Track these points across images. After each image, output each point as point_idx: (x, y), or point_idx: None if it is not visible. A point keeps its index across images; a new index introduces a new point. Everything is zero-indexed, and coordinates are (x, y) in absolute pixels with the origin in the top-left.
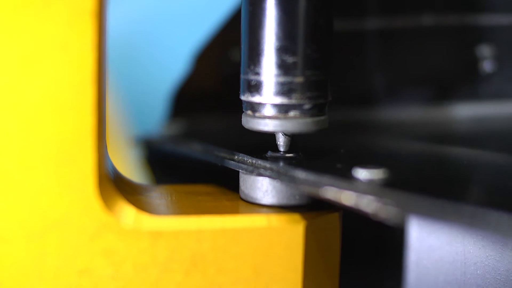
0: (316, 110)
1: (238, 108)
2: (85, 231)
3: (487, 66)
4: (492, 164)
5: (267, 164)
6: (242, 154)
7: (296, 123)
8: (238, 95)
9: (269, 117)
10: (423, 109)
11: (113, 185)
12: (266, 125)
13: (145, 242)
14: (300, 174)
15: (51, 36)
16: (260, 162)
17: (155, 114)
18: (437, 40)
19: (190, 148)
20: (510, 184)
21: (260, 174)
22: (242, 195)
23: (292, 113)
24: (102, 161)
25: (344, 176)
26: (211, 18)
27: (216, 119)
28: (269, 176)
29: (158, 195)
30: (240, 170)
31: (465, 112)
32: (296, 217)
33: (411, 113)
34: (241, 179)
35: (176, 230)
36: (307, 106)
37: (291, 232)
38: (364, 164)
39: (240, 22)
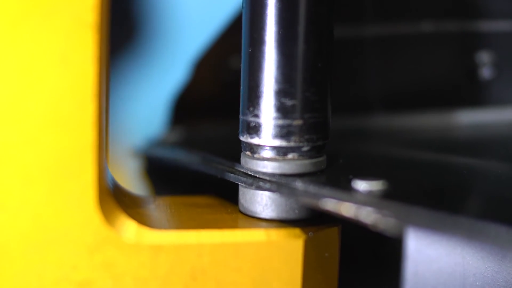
0: (315, 151)
1: (238, 115)
2: (85, 244)
3: (486, 72)
4: (492, 173)
5: (266, 177)
6: (241, 166)
7: (294, 165)
8: (238, 102)
9: (267, 159)
10: (423, 116)
11: (113, 198)
12: (265, 167)
13: (145, 256)
14: (300, 186)
15: (52, 49)
16: (259, 174)
17: (154, 122)
18: (436, 47)
19: (190, 159)
20: (509, 194)
21: (259, 187)
22: (241, 208)
23: (290, 155)
24: (102, 175)
25: (344, 187)
26: (210, 25)
27: (216, 126)
28: (268, 189)
29: (157, 207)
30: (239, 183)
31: (465, 118)
32: (296, 231)
33: (411, 120)
34: (240, 192)
35: (176, 244)
36: (305, 148)
37: (290, 247)
38: (363, 176)
39: (239, 29)
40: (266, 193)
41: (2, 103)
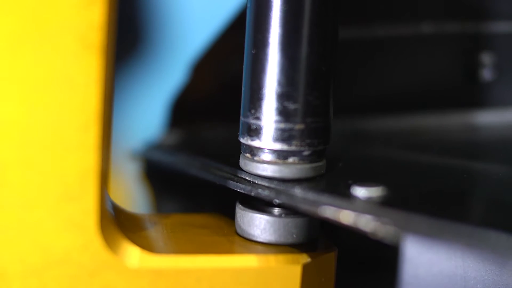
0: (315, 156)
1: (237, 118)
2: (85, 268)
3: (487, 73)
4: (492, 176)
5: (265, 183)
6: (240, 171)
7: (294, 169)
8: (238, 105)
9: (267, 162)
10: (422, 118)
11: (114, 223)
12: (265, 170)
13: (145, 280)
14: (299, 192)
15: (55, 69)
16: (258, 178)
17: (153, 125)
18: (436, 48)
19: (188, 164)
20: (509, 198)
21: (258, 194)
22: (238, 230)
23: (291, 159)
24: (103, 199)
25: (343, 194)
26: (209, 27)
27: (215, 129)
28: (267, 196)
29: (155, 228)
30: (239, 190)
31: (465, 120)
32: (294, 257)
33: (410, 122)
34: (238, 214)
35: (175, 268)
36: (306, 153)
37: (288, 273)
38: (363, 182)
39: (239, 31)
40: (265, 216)
41: (4, 124)
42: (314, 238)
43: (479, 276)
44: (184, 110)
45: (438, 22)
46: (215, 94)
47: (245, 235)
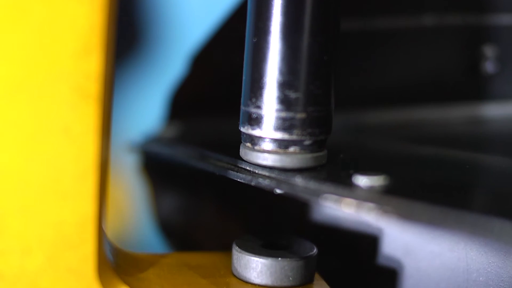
0: (316, 146)
1: (237, 111)
2: None
3: (489, 66)
4: (494, 168)
5: (266, 172)
6: (240, 161)
7: (295, 158)
8: (237, 97)
9: (268, 152)
10: (424, 111)
11: (112, 268)
12: (265, 160)
13: None
14: (300, 182)
15: (53, 119)
16: (259, 168)
17: (151, 117)
18: (438, 41)
19: (188, 155)
20: None
21: (258, 183)
22: (234, 272)
23: (292, 149)
24: (102, 245)
25: (344, 183)
26: (209, 19)
27: (214, 121)
28: (268, 185)
29: (152, 269)
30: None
31: (467, 113)
32: None
33: (412, 114)
34: (234, 256)
35: None
36: (307, 142)
37: None
38: (364, 171)
39: (239, 23)
40: (262, 260)
41: (3, 172)
42: (310, 281)
43: (481, 269)
44: (183, 103)
45: (440, 15)
46: (214, 87)
47: (242, 278)
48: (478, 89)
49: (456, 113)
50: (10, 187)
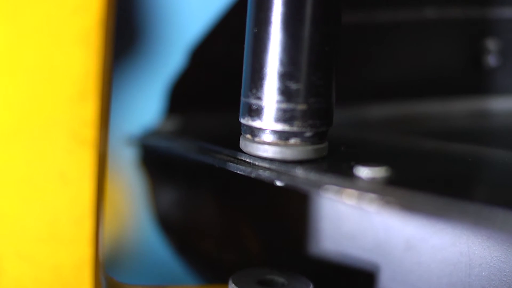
0: (317, 138)
1: (236, 104)
2: None
3: (491, 60)
4: (497, 161)
5: (266, 164)
6: (240, 154)
7: (296, 150)
8: (236, 91)
9: (268, 143)
10: (426, 105)
11: None
12: (266, 151)
13: None
14: (300, 173)
15: (49, 164)
16: (259, 160)
17: (150, 111)
18: (440, 34)
19: (187, 148)
20: None
21: (258, 175)
22: None
23: (292, 141)
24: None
25: (346, 174)
26: (208, 12)
27: (214, 115)
28: (268, 177)
29: None
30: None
31: (469, 107)
32: None
33: (413, 108)
34: None
35: None
36: (308, 134)
37: None
38: (366, 162)
39: (239, 16)
40: None
41: (1, 217)
42: None
43: (484, 263)
44: (182, 96)
45: (441, 7)
46: (213, 80)
47: None
48: (480, 82)
49: (458, 107)
50: (6, 232)
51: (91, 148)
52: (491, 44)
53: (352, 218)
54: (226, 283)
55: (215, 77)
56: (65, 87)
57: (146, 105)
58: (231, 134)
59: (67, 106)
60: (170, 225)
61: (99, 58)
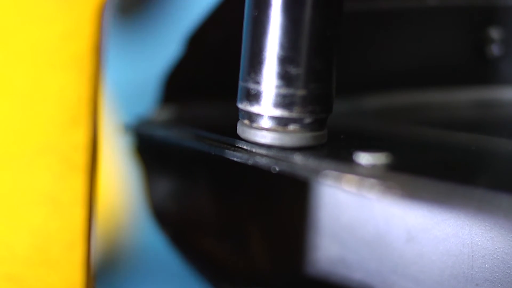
0: (317, 124)
1: (233, 93)
2: None
3: (495, 49)
4: (501, 150)
5: (264, 151)
6: (237, 141)
7: (295, 137)
8: (233, 80)
9: (267, 129)
10: (428, 94)
11: None
12: (264, 137)
13: None
14: (299, 159)
15: (40, 189)
16: (256, 147)
17: (145, 100)
18: (443, 22)
19: (182, 136)
20: None
21: (256, 162)
22: None
23: (291, 127)
24: None
25: (345, 160)
26: None
27: (210, 104)
28: (266, 164)
29: None
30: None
31: (472, 96)
32: None
33: (415, 97)
34: None
35: None
36: (308, 120)
37: None
38: (366, 148)
39: (238, 3)
40: None
41: None
42: None
43: (487, 255)
44: (178, 85)
45: None
46: (210, 69)
47: None
48: (483, 72)
49: (461, 97)
50: None
51: (82, 173)
52: (495, 33)
53: (352, 208)
54: (224, 276)
55: (212, 66)
56: (57, 112)
57: (141, 93)
58: (228, 123)
59: (59, 131)
60: (165, 216)
61: (92, 83)
